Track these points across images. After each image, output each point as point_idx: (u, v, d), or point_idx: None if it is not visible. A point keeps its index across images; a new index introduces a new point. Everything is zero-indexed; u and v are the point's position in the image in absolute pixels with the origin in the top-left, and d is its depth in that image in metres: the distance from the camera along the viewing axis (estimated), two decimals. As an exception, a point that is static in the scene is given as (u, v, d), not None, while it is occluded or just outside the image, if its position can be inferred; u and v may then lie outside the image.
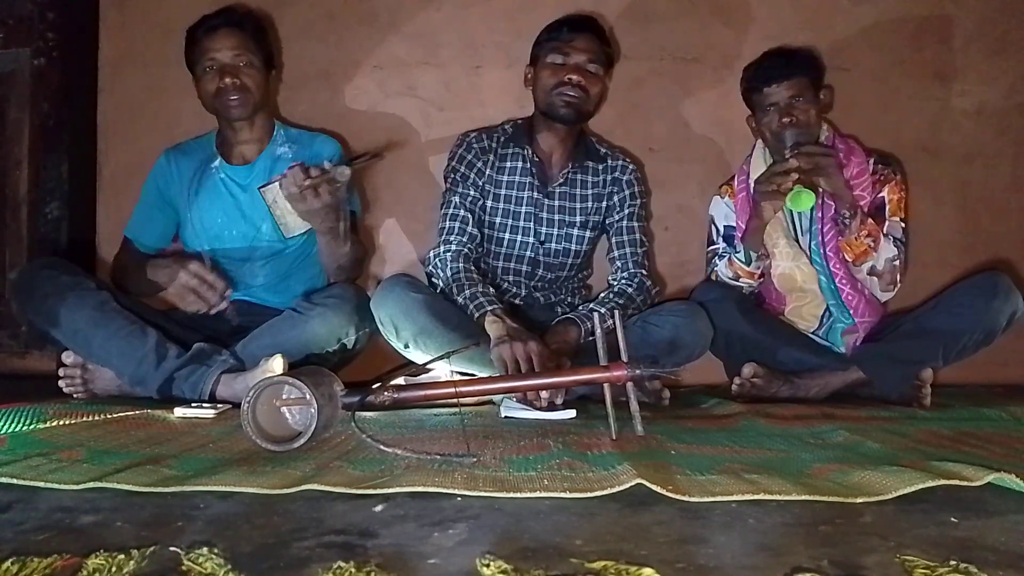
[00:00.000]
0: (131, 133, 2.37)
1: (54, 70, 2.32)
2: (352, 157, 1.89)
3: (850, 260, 1.94)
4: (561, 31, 1.99)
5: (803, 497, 0.89)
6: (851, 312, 2.00)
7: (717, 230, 2.16)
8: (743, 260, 2.02)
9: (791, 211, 2.02)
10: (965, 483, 0.94)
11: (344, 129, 2.34)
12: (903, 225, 2.00)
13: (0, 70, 2.33)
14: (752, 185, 2.05)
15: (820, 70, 2.06)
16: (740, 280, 2.05)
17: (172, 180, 2.07)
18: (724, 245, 2.12)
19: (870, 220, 1.91)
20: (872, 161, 2.02)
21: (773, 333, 2.02)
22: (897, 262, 1.95)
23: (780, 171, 1.84)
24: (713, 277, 2.11)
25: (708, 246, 2.19)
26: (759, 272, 2.04)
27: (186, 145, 2.13)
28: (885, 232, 1.94)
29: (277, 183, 1.77)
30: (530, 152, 2.07)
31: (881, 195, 2.00)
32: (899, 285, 1.98)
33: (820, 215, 2.00)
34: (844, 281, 1.98)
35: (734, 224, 2.11)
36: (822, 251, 1.99)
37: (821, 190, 1.88)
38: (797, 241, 2.04)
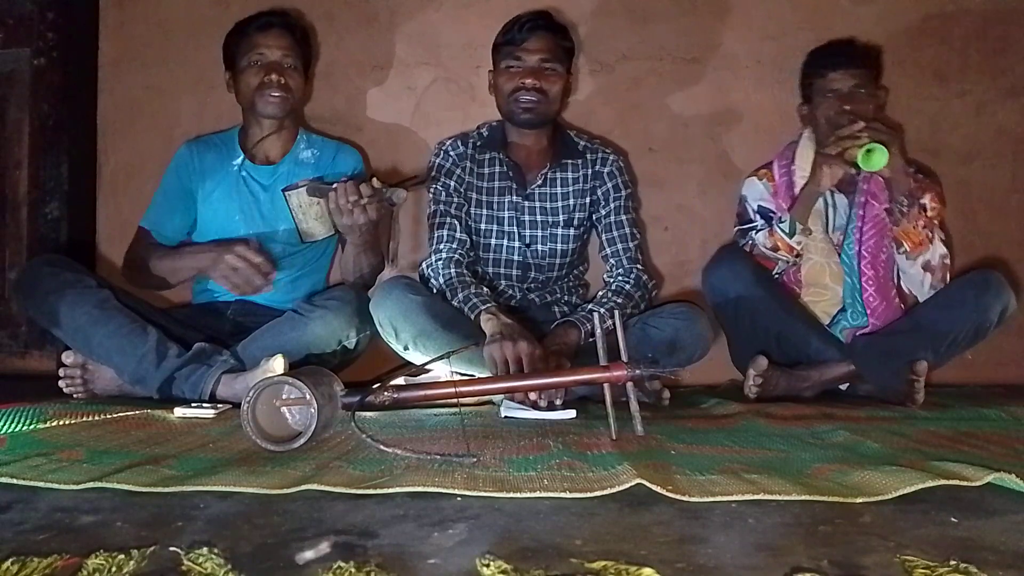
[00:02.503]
0: (131, 133, 2.37)
1: (54, 70, 2.31)
2: (403, 180, 1.89)
3: (908, 250, 1.92)
4: (513, 33, 1.96)
5: (803, 497, 0.89)
6: (868, 313, 1.98)
7: (752, 208, 2.10)
8: (786, 231, 1.95)
9: (827, 203, 2.01)
10: (965, 483, 0.94)
11: (344, 129, 2.34)
12: (944, 231, 2.01)
13: (0, 70, 2.33)
14: (796, 172, 2.04)
15: (881, 68, 2.08)
16: (778, 253, 1.97)
17: (194, 171, 2.08)
18: (763, 222, 2.06)
19: (923, 213, 1.90)
20: (913, 169, 2.00)
21: (784, 305, 1.99)
22: (948, 260, 1.96)
23: (847, 135, 1.81)
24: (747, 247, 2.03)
25: (740, 224, 2.12)
26: (798, 249, 1.98)
27: (207, 138, 2.14)
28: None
29: (304, 188, 1.78)
30: (504, 156, 2.06)
31: (922, 202, 1.97)
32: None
33: (861, 212, 1.99)
34: (870, 282, 1.98)
35: (771, 207, 2.06)
36: (856, 248, 1.98)
37: (883, 168, 1.80)
38: (829, 235, 2.02)
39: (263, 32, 1.98)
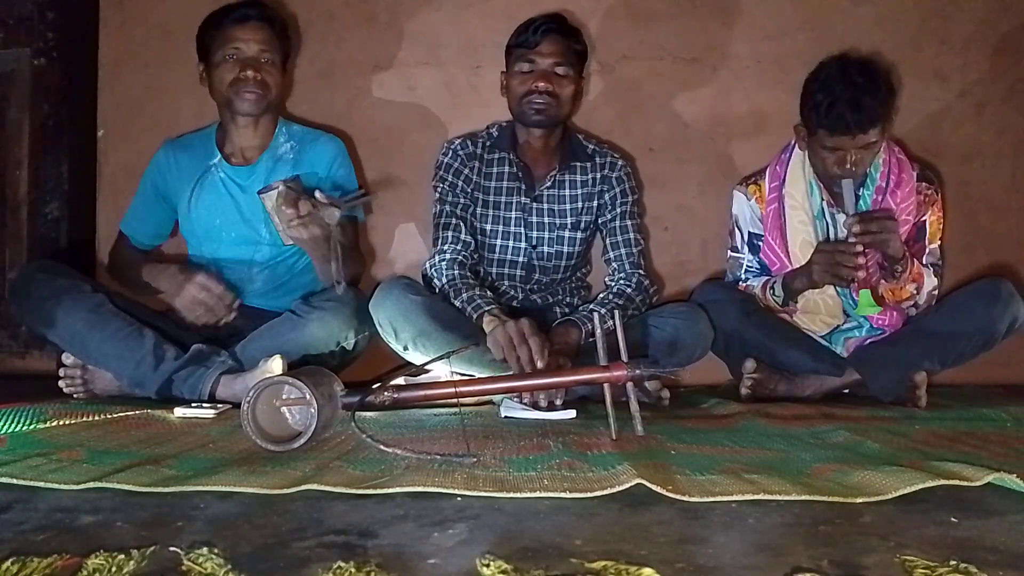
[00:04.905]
0: (131, 133, 2.37)
1: (54, 70, 2.31)
2: (351, 197, 1.84)
3: (890, 302, 1.92)
4: (526, 35, 1.95)
5: (803, 497, 0.89)
6: (882, 331, 1.98)
7: (741, 235, 2.09)
8: (779, 302, 1.96)
9: (827, 223, 1.98)
10: (965, 483, 0.94)
11: (344, 129, 2.34)
12: (940, 248, 2.00)
13: (0, 70, 2.33)
14: (786, 198, 1.99)
15: (894, 104, 1.89)
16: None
17: (170, 175, 2.04)
18: (749, 256, 2.07)
19: (916, 264, 1.88)
20: (915, 176, 1.97)
21: (774, 335, 1.99)
22: (936, 291, 1.95)
23: (847, 264, 1.76)
24: (741, 287, 2.06)
25: (731, 250, 2.12)
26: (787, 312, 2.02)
27: (186, 139, 2.10)
28: (924, 263, 1.93)
29: (276, 190, 1.73)
30: (514, 157, 2.05)
31: (923, 219, 1.97)
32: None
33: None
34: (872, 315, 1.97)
35: (760, 234, 2.05)
36: (854, 291, 1.95)
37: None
38: None
39: (240, 25, 1.89)
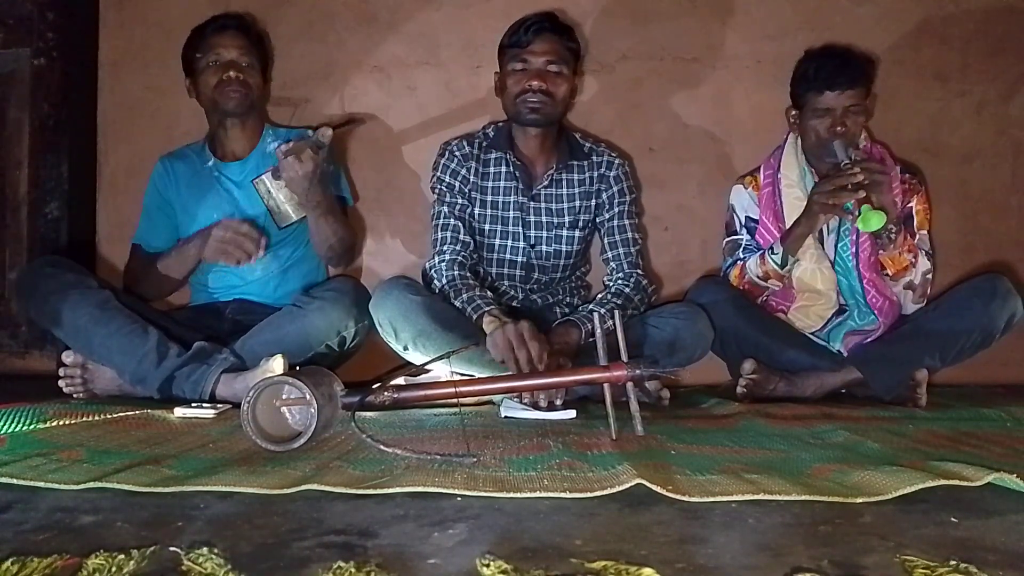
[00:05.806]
0: (131, 133, 2.37)
1: (54, 70, 2.31)
2: (334, 125, 1.93)
3: (890, 275, 1.93)
4: (519, 35, 1.96)
5: (803, 497, 0.89)
6: (876, 315, 1.98)
7: (739, 220, 2.12)
8: (778, 263, 1.95)
9: None
10: (965, 483, 0.94)
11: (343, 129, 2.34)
12: (930, 238, 2.02)
13: (0, 70, 2.33)
14: (781, 180, 2.04)
15: (874, 78, 2.03)
16: (768, 281, 2.00)
17: (170, 184, 2.11)
18: (748, 237, 2.09)
19: (908, 236, 1.91)
20: (899, 170, 2.02)
21: (770, 332, 2.00)
22: (930, 275, 1.97)
23: (845, 185, 1.78)
24: (735, 272, 2.06)
25: (728, 235, 2.15)
26: (787, 275, 2.00)
27: (180, 151, 2.18)
28: (917, 246, 1.95)
29: (269, 172, 1.83)
30: (512, 156, 2.05)
31: (909, 205, 2.00)
32: (927, 299, 1.99)
33: (856, 213, 1.96)
34: (871, 284, 1.97)
35: (756, 217, 2.09)
36: (852, 250, 1.96)
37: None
38: (822, 243, 2.01)
39: (219, 33, 2.03)
